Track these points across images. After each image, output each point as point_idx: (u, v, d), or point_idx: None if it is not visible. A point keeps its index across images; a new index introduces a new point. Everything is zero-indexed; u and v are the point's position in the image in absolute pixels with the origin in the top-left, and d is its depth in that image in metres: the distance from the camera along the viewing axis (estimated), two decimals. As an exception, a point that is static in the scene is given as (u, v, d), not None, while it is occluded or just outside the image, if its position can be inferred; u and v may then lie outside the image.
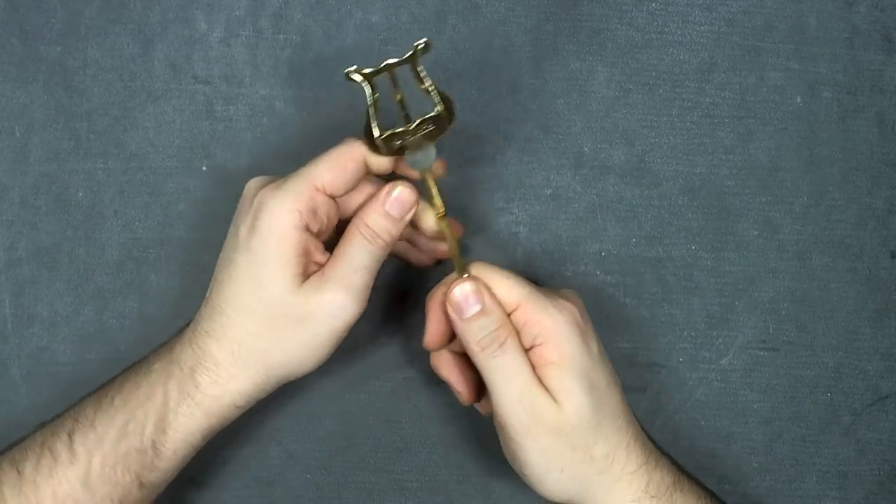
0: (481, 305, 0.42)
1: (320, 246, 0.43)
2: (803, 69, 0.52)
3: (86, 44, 0.51)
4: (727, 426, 0.51)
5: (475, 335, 0.42)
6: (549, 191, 0.52)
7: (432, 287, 0.51)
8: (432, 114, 0.42)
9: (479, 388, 0.46)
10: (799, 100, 0.52)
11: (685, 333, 0.52)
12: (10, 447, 0.45)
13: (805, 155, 0.52)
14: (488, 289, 0.43)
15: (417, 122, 0.42)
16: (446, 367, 0.46)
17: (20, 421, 0.50)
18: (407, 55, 0.41)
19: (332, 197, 0.43)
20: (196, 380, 0.43)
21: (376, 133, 0.41)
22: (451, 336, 0.45)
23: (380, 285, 0.51)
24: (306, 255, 0.42)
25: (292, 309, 0.42)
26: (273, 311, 0.42)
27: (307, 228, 0.42)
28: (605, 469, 0.43)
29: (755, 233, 0.52)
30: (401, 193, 0.43)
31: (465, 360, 0.45)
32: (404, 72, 0.42)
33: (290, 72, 0.51)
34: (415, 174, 0.44)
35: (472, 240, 0.51)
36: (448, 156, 0.51)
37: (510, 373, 0.42)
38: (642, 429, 0.46)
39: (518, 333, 0.43)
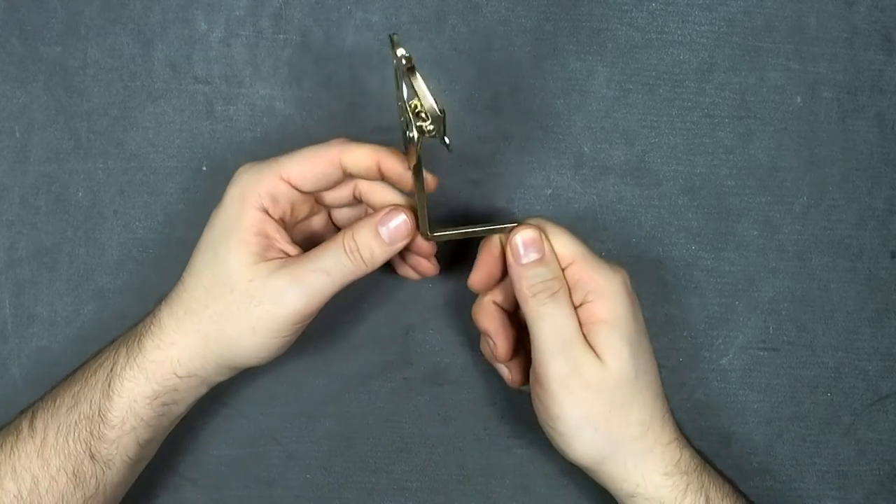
0: (541, 254, 0.42)
1: (285, 235, 0.43)
2: (803, 69, 0.52)
3: (86, 44, 0.51)
4: (727, 426, 0.51)
5: (530, 280, 0.42)
6: (549, 191, 0.52)
7: (433, 288, 0.51)
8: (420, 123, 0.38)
9: (515, 348, 0.46)
10: (799, 100, 0.52)
11: (685, 333, 0.52)
12: None
13: (805, 155, 0.52)
14: (548, 240, 0.43)
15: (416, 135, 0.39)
16: (488, 317, 0.46)
17: (20, 421, 0.50)
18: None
19: (301, 191, 0.43)
20: (141, 343, 0.43)
21: (417, 160, 0.39)
22: (497, 280, 0.45)
23: (380, 285, 0.51)
24: (264, 236, 0.42)
25: (238, 284, 0.42)
26: (219, 282, 0.42)
27: (266, 212, 0.43)
28: (640, 436, 0.43)
29: (755, 233, 0.52)
30: (398, 223, 0.43)
31: (507, 316, 0.46)
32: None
33: (290, 72, 0.51)
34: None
35: (473, 239, 0.51)
36: (448, 156, 0.51)
37: (557, 322, 0.42)
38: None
39: (571, 287, 0.43)
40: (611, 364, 0.42)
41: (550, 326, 0.42)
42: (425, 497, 0.51)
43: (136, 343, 0.43)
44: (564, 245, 0.43)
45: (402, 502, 0.51)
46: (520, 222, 0.43)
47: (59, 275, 0.51)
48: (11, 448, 0.43)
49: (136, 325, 0.45)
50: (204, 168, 0.51)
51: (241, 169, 0.44)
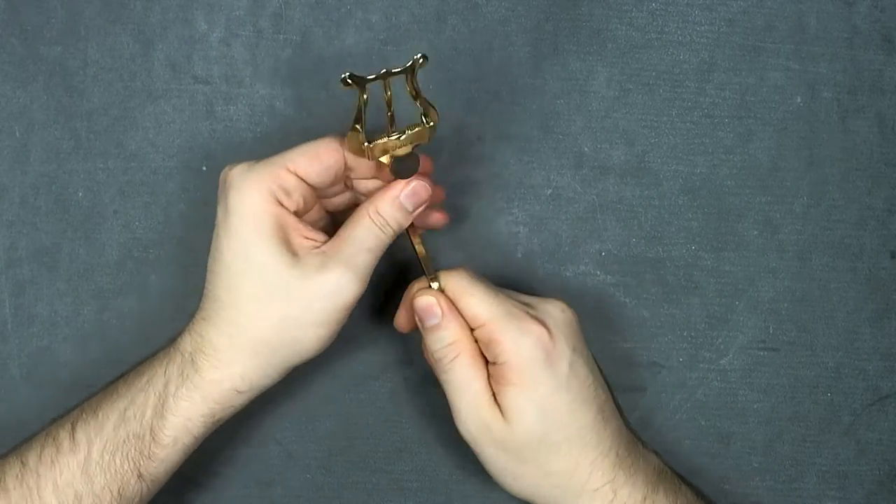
0: (437, 320, 0.43)
1: (306, 223, 0.43)
2: (803, 69, 0.52)
3: (86, 44, 0.51)
4: (727, 426, 0.51)
5: (431, 345, 0.44)
6: (549, 191, 0.52)
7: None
8: (420, 127, 0.42)
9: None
10: (799, 100, 0.52)
11: (685, 333, 0.52)
12: (21, 443, 0.45)
13: (805, 155, 0.52)
14: (450, 303, 0.44)
15: (406, 134, 0.42)
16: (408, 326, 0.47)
17: (20, 421, 0.50)
18: (405, 66, 0.41)
19: (308, 183, 0.43)
20: (196, 364, 0.42)
21: (363, 139, 0.42)
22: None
23: (380, 284, 0.51)
24: (284, 230, 0.42)
25: (289, 285, 0.42)
26: (266, 287, 0.42)
27: (281, 204, 0.42)
28: (562, 484, 0.43)
29: (755, 233, 0.52)
30: (416, 186, 0.43)
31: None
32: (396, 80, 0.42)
33: (290, 72, 0.51)
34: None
35: (473, 240, 0.51)
36: (448, 156, 0.51)
37: (461, 385, 0.43)
38: (630, 436, 0.45)
39: (483, 348, 0.43)
40: (516, 425, 0.42)
41: (457, 389, 0.43)
42: (425, 497, 0.51)
43: (188, 363, 0.43)
44: (476, 306, 0.43)
45: (402, 502, 0.51)
46: (437, 275, 0.44)
47: (59, 275, 0.51)
48: (52, 461, 0.42)
49: (175, 341, 0.44)
50: (204, 168, 0.51)
51: (234, 171, 0.43)
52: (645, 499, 0.43)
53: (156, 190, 0.51)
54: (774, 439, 0.52)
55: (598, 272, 0.52)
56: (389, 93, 0.43)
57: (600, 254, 0.52)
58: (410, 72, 0.41)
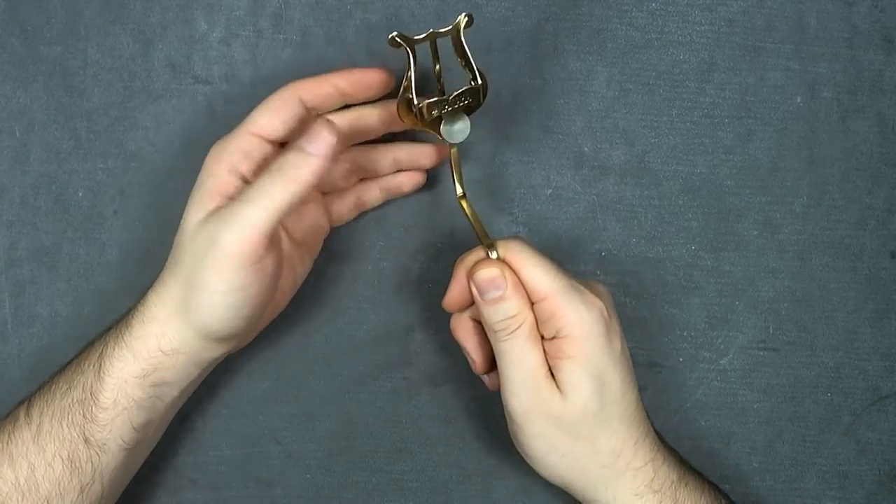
0: (501, 291, 0.42)
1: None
2: (803, 69, 0.52)
3: (86, 44, 0.51)
4: (727, 426, 0.51)
5: (492, 317, 0.42)
6: (549, 191, 0.52)
7: (433, 287, 0.51)
8: (466, 87, 0.43)
9: (493, 360, 0.45)
10: (799, 100, 0.52)
11: (685, 333, 0.52)
12: None
13: (805, 155, 0.52)
14: (514, 274, 0.42)
15: (455, 94, 0.43)
16: (464, 332, 0.46)
17: (20, 421, 0.50)
18: (450, 26, 0.42)
19: (273, 139, 0.44)
20: (129, 322, 0.43)
21: (415, 100, 0.42)
22: (471, 300, 0.45)
23: (380, 285, 0.51)
24: (228, 196, 0.42)
25: (187, 243, 0.42)
26: (186, 251, 0.42)
27: (236, 172, 0.43)
28: (610, 462, 0.43)
29: (755, 233, 0.52)
30: (321, 130, 0.40)
31: (483, 329, 0.45)
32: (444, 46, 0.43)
33: (290, 72, 0.51)
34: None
35: (473, 240, 0.51)
36: (447, 156, 0.51)
37: (520, 357, 0.42)
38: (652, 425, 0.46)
39: (541, 322, 0.43)
40: (572, 400, 0.42)
41: (513, 361, 0.42)
42: (425, 497, 0.51)
43: (125, 323, 0.44)
44: (538, 278, 0.42)
45: (402, 502, 0.51)
46: (493, 243, 0.43)
47: (59, 275, 0.51)
48: (9, 436, 0.43)
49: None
50: (204, 168, 0.51)
51: (214, 145, 0.44)
52: (680, 479, 0.44)
53: (156, 190, 0.51)
54: (774, 439, 0.52)
55: (598, 272, 0.52)
56: (438, 67, 0.44)
57: (600, 254, 0.52)
58: (455, 33, 0.42)
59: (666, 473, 0.44)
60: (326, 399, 0.51)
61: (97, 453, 0.43)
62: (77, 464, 0.42)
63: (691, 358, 0.52)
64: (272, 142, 0.44)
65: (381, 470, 0.51)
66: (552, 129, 0.51)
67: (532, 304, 0.43)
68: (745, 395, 0.52)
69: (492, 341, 0.43)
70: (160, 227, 0.51)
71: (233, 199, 0.42)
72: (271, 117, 0.44)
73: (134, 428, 0.43)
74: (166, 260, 0.44)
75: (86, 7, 0.51)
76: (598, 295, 0.43)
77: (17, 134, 0.51)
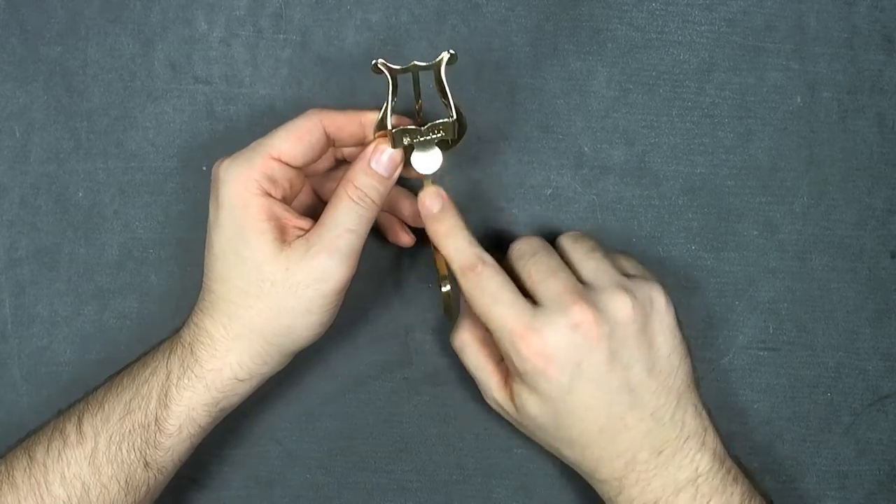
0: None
1: (292, 211, 0.44)
2: (803, 69, 0.52)
3: (86, 44, 0.51)
4: (727, 426, 0.51)
5: (451, 340, 0.47)
6: (549, 191, 0.52)
7: (432, 287, 0.51)
8: (441, 121, 0.43)
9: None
10: (799, 100, 0.52)
11: (685, 333, 0.52)
12: (27, 436, 0.45)
13: (805, 155, 0.52)
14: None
15: (429, 125, 0.43)
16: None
17: (20, 421, 0.50)
18: (433, 61, 0.42)
19: (293, 166, 0.44)
20: (195, 354, 0.43)
21: (389, 125, 0.42)
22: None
23: (380, 285, 0.51)
24: (277, 219, 0.42)
25: (276, 276, 0.42)
26: (255, 280, 0.42)
27: (268, 195, 0.43)
28: (606, 476, 0.44)
29: (755, 233, 0.52)
30: (386, 150, 0.43)
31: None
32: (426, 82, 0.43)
33: (290, 72, 0.51)
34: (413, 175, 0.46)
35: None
36: (448, 156, 0.51)
37: (475, 363, 0.46)
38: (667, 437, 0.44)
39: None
40: (523, 414, 0.44)
41: (471, 364, 0.47)
42: (425, 497, 0.51)
43: (189, 353, 0.43)
44: (503, 314, 0.42)
45: (402, 502, 0.51)
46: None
47: (59, 275, 0.51)
48: (59, 453, 0.42)
49: (177, 333, 0.45)
50: (204, 168, 0.51)
51: (222, 165, 0.43)
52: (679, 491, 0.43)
53: (156, 190, 0.51)
54: (774, 439, 0.52)
55: (598, 272, 0.52)
56: (419, 103, 0.44)
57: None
58: (437, 68, 0.42)
59: (640, 492, 0.43)
60: (326, 399, 0.51)
61: (155, 475, 0.43)
62: (133, 486, 0.43)
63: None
64: (292, 166, 0.44)
65: (381, 470, 0.51)
66: (552, 129, 0.51)
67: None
68: (745, 395, 0.52)
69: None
70: (160, 226, 0.51)
71: (284, 220, 0.43)
72: (294, 145, 0.43)
73: (192, 448, 0.44)
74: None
75: (86, 7, 0.51)
76: (611, 298, 0.42)
77: (17, 134, 0.51)
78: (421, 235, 0.48)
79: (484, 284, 0.43)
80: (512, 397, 0.44)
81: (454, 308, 0.47)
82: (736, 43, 0.52)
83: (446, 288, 0.45)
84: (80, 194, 0.51)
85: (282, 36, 0.51)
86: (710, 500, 0.43)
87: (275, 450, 0.51)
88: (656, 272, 0.52)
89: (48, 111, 0.51)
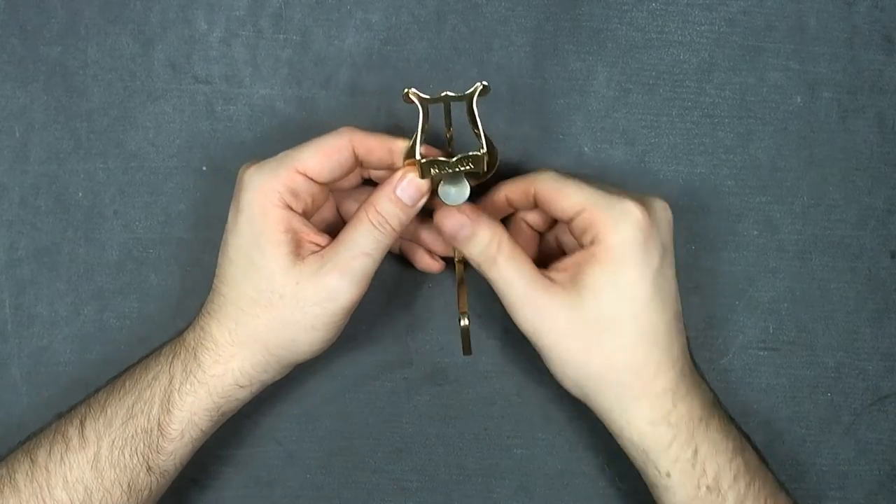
0: (467, 231, 0.43)
1: (311, 226, 0.44)
2: (803, 69, 0.52)
3: (86, 44, 0.51)
4: (727, 426, 0.52)
5: (472, 252, 0.43)
6: (549, 191, 0.52)
7: (432, 287, 0.51)
8: (475, 153, 0.42)
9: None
10: (799, 100, 0.52)
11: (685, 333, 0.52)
12: (26, 439, 0.45)
13: (805, 155, 0.52)
14: (473, 207, 0.43)
15: (459, 157, 0.42)
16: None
17: (20, 421, 0.50)
18: (465, 92, 0.41)
19: (318, 182, 0.43)
20: (198, 359, 0.43)
21: (419, 155, 0.41)
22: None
23: (380, 285, 0.51)
24: (294, 233, 0.42)
25: (286, 289, 0.42)
26: (265, 289, 0.42)
27: (289, 207, 0.42)
28: (626, 382, 0.42)
29: (755, 233, 0.52)
30: (413, 178, 0.43)
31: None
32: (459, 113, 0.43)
33: (290, 72, 0.51)
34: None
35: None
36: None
37: (511, 277, 0.42)
38: (690, 360, 0.45)
39: (580, 234, 0.43)
40: (586, 304, 0.41)
41: (508, 282, 0.42)
42: (425, 497, 0.51)
43: (192, 358, 0.43)
44: (571, 195, 0.42)
45: (402, 502, 0.51)
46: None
47: (59, 275, 0.51)
48: (61, 457, 0.42)
49: (181, 335, 0.45)
50: (204, 168, 0.51)
51: (248, 172, 0.43)
52: (703, 419, 0.43)
53: (156, 190, 0.51)
54: (774, 439, 0.52)
55: (598, 272, 0.52)
56: (451, 132, 0.44)
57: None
58: (469, 99, 0.41)
59: (687, 408, 0.42)
60: (326, 399, 0.51)
61: (157, 479, 0.43)
62: (135, 490, 0.43)
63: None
64: (317, 182, 0.43)
65: (381, 470, 0.51)
66: (552, 129, 0.51)
67: (572, 221, 0.43)
68: (745, 395, 0.52)
69: (485, 276, 0.43)
70: (160, 226, 0.51)
71: (301, 234, 0.43)
72: (322, 161, 0.43)
73: (193, 451, 0.44)
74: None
75: (86, 7, 0.51)
76: (647, 207, 0.42)
77: (17, 134, 0.51)
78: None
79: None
80: (580, 290, 0.42)
81: (469, 343, 0.46)
82: (736, 43, 0.52)
83: (465, 322, 0.45)
84: (80, 194, 0.51)
85: (282, 36, 0.51)
86: (731, 422, 0.45)
87: (275, 450, 0.51)
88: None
89: (48, 111, 0.51)
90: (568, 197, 0.43)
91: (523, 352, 0.47)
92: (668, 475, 0.42)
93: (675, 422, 0.42)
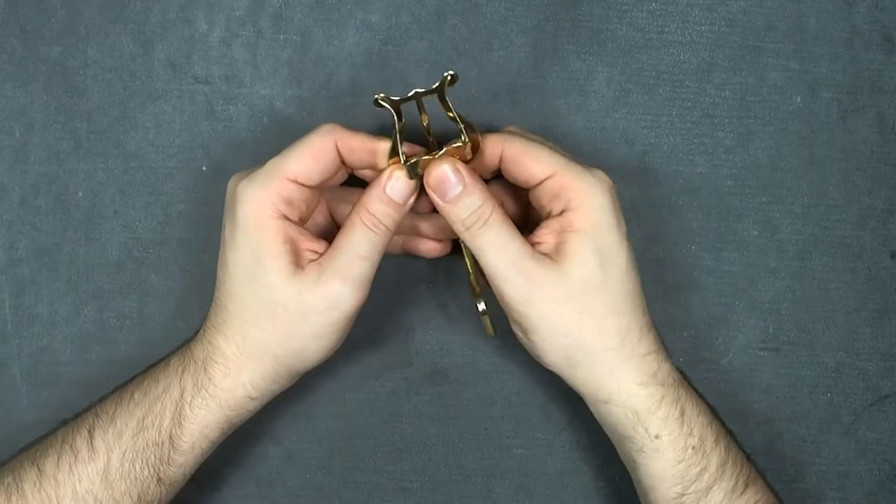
0: (461, 186, 0.42)
1: (307, 233, 0.43)
2: (803, 69, 0.52)
3: (86, 44, 0.51)
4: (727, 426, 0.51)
5: (460, 215, 0.42)
6: (549, 191, 0.52)
7: (433, 288, 0.51)
8: (457, 144, 0.42)
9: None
10: (799, 100, 0.52)
11: (685, 333, 0.52)
12: (30, 445, 0.45)
13: (805, 155, 0.52)
14: (468, 167, 0.42)
15: (441, 152, 0.42)
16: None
17: (20, 421, 0.50)
18: (434, 86, 0.41)
19: (309, 186, 0.43)
20: (209, 372, 0.43)
21: (402, 156, 0.42)
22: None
23: (380, 285, 0.51)
24: (292, 242, 0.42)
25: (289, 301, 0.42)
26: (268, 302, 0.42)
27: (285, 217, 0.42)
28: (616, 345, 0.42)
29: (755, 233, 0.52)
30: (401, 176, 0.42)
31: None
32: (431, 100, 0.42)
33: (290, 72, 0.51)
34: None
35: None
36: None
37: (502, 245, 0.42)
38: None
39: (550, 199, 0.43)
40: (577, 270, 0.41)
41: (497, 250, 0.42)
42: (425, 497, 0.51)
43: (202, 371, 0.43)
44: (541, 158, 0.42)
45: (402, 502, 0.51)
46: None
47: (59, 275, 0.51)
48: (70, 468, 0.42)
49: (188, 347, 0.45)
50: (204, 168, 0.51)
51: (240, 184, 0.43)
52: (681, 381, 0.44)
53: (156, 190, 0.51)
54: (774, 439, 0.52)
55: (598, 272, 0.51)
56: (426, 121, 0.44)
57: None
58: (440, 91, 0.41)
59: (669, 370, 0.43)
60: (326, 399, 0.51)
61: (166, 490, 0.44)
62: (145, 500, 0.43)
63: (691, 358, 0.52)
64: (307, 186, 0.43)
65: (381, 470, 0.51)
66: (552, 129, 0.51)
67: (538, 185, 0.43)
68: (745, 395, 0.52)
69: (468, 241, 0.42)
70: (160, 226, 0.51)
71: (298, 243, 0.42)
72: (310, 165, 0.42)
73: (202, 461, 0.45)
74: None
75: (86, 7, 0.51)
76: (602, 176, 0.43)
77: (17, 134, 0.51)
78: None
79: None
80: (564, 258, 0.42)
81: (495, 324, 0.46)
82: (736, 43, 0.52)
83: (482, 306, 0.45)
84: (80, 194, 0.51)
85: (282, 36, 0.51)
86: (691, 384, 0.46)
87: (275, 450, 0.51)
88: (656, 272, 0.52)
89: (48, 111, 0.51)
90: (538, 160, 0.42)
91: (523, 352, 0.47)
92: (658, 437, 0.43)
93: (662, 381, 0.43)
